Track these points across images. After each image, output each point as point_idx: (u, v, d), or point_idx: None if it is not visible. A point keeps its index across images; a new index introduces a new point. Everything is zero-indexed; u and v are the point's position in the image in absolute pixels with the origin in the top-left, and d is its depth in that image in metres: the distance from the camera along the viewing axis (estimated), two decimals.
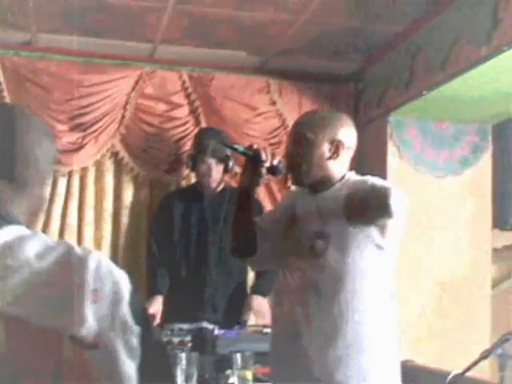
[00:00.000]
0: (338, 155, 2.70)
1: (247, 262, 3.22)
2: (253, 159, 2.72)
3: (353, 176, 2.71)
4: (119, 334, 1.31)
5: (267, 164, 2.71)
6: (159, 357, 1.43)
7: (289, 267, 2.73)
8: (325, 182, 2.70)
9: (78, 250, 1.37)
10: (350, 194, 2.52)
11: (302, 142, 2.71)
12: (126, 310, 1.33)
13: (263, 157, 2.69)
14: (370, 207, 2.48)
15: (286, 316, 2.71)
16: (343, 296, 2.56)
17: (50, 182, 1.58)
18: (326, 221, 2.63)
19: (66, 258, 1.35)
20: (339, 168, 2.71)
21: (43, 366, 1.33)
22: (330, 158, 2.70)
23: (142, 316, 1.40)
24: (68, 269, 1.34)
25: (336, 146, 2.70)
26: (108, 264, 1.37)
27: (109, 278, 1.34)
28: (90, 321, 1.29)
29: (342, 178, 2.69)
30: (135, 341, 1.32)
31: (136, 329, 1.32)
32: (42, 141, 1.50)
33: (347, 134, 2.75)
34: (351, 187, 2.60)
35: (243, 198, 2.81)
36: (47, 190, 1.57)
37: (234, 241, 2.94)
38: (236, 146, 2.88)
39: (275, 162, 2.73)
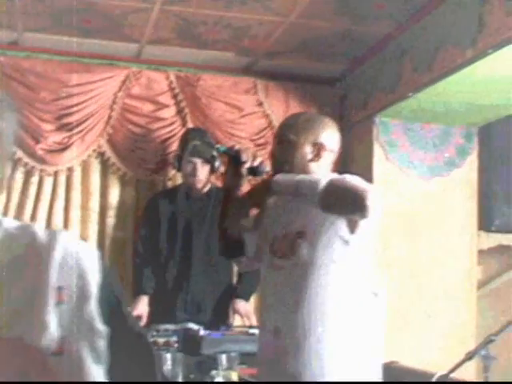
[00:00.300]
0: (319, 157, 2.73)
1: (235, 262, 3.25)
2: (234, 159, 2.77)
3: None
4: (85, 337, 1.22)
5: (248, 165, 2.77)
6: (139, 347, 1.36)
7: (271, 266, 2.75)
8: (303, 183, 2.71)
9: (42, 236, 1.24)
10: (330, 185, 2.53)
11: (285, 144, 2.74)
12: (93, 308, 1.24)
13: (244, 158, 2.75)
14: (346, 205, 2.50)
15: (268, 314, 2.74)
16: (313, 291, 2.58)
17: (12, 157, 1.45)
18: (304, 219, 2.65)
19: (29, 248, 1.24)
20: (321, 170, 2.73)
21: (8, 369, 1.24)
22: (311, 160, 2.73)
23: (118, 298, 1.32)
24: (31, 263, 1.23)
25: (318, 149, 2.72)
26: (76, 250, 1.25)
27: (76, 270, 1.23)
28: (53, 327, 1.19)
29: None
30: (102, 344, 1.24)
31: (104, 330, 1.25)
32: (3, 113, 1.38)
33: (330, 136, 2.78)
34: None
35: (226, 199, 2.86)
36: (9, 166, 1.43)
37: (220, 242, 2.98)
38: (218, 146, 2.93)
39: (256, 163, 2.78)
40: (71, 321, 1.21)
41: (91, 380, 1.22)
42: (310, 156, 2.73)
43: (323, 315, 2.59)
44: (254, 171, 2.81)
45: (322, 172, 2.72)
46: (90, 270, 1.27)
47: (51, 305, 1.21)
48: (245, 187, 2.88)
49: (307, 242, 2.61)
